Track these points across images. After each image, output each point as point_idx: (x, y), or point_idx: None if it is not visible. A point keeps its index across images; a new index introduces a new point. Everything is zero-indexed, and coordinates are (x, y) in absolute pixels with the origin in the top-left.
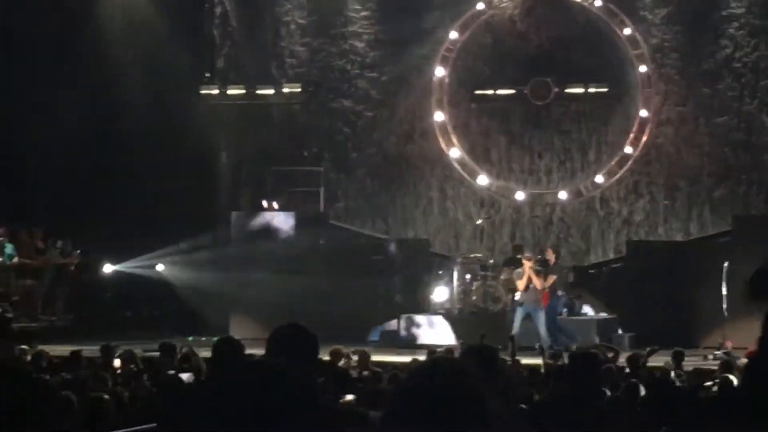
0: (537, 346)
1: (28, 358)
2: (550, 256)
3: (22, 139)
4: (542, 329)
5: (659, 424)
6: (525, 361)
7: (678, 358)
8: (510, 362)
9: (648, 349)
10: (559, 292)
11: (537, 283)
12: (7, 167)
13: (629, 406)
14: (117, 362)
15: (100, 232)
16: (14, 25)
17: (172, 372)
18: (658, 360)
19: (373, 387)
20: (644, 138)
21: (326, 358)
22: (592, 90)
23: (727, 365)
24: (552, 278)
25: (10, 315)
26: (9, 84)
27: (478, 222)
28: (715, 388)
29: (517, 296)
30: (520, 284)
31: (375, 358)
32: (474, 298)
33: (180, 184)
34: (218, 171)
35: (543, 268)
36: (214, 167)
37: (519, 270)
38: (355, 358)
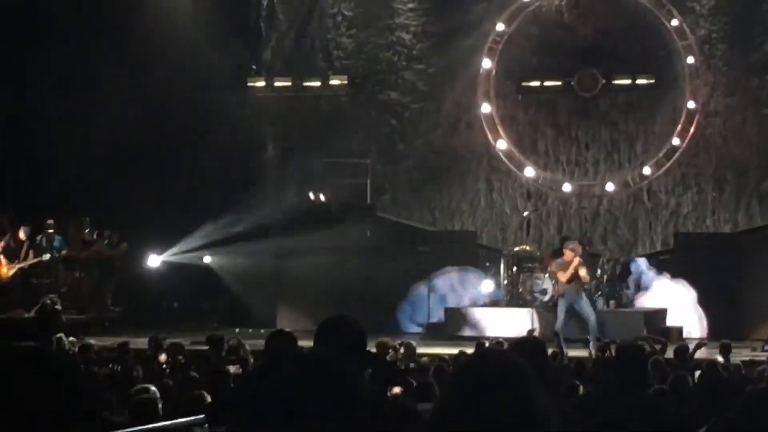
0: (592, 338)
1: (76, 349)
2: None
3: (69, 131)
4: (591, 318)
5: (707, 417)
6: (572, 353)
7: (725, 351)
8: (557, 355)
9: (696, 342)
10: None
11: (584, 275)
12: (53, 159)
13: (676, 398)
14: (163, 355)
15: (147, 225)
16: (58, 14)
17: (219, 364)
18: (706, 352)
19: (419, 379)
20: (692, 129)
21: (373, 350)
22: (639, 81)
23: None
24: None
25: (58, 307)
26: (56, 75)
27: (525, 214)
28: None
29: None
30: (563, 276)
31: (421, 350)
32: (521, 290)
33: (226, 176)
34: (265, 163)
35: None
36: (261, 159)
37: (560, 260)
38: (401, 350)
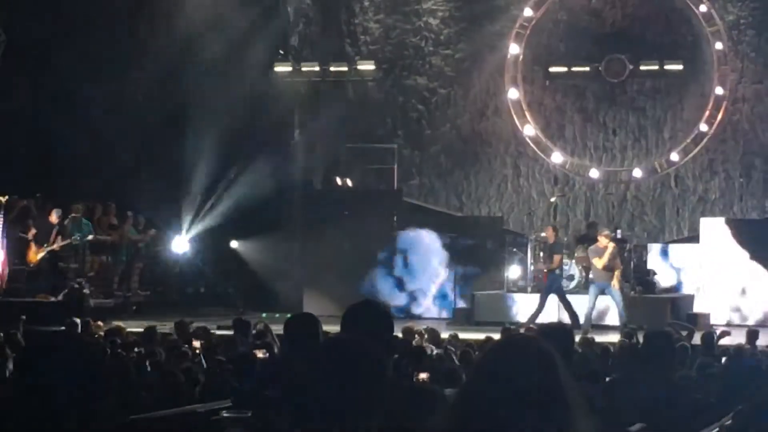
0: (622, 324)
1: (103, 334)
2: (550, 234)
3: (93, 117)
4: (620, 305)
5: (733, 403)
6: (598, 339)
7: (753, 337)
8: (586, 341)
9: (720, 330)
10: (557, 271)
11: (618, 263)
12: (80, 145)
13: (703, 384)
14: (197, 341)
15: (173, 210)
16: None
17: (246, 348)
18: (733, 339)
19: (446, 365)
20: (720, 116)
21: (398, 335)
22: (667, 67)
23: None
24: (557, 257)
25: (86, 291)
26: (80, 59)
27: (552, 199)
28: None
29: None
30: (599, 262)
31: (445, 335)
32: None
33: (253, 161)
34: (292, 148)
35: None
36: (288, 144)
37: (594, 247)
38: (426, 335)
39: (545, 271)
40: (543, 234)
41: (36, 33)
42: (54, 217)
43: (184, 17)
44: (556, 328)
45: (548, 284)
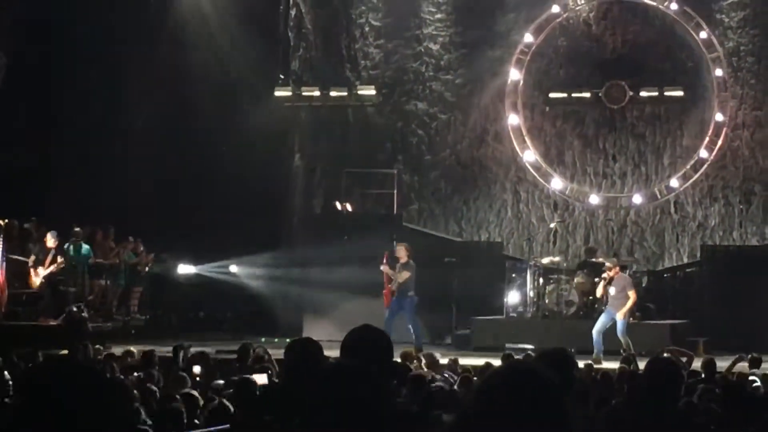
0: (622, 351)
1: (102, 357)
2: (402, 254)
3: (94, 140)
4: (620, 334)
5: (736, 430)
6: (597, 365)
7: (755, 364)
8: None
9: (735, 357)
10: (411, 293)
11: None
12: (79, 168)
13: (705, 411)
14: (197, 367)
15: (172, 234)
16: (83, 25)
17: (244, 373)
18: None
19: (445, 390)
20: (720, 142)
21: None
22: (667, 93)
23: None
24: (405, 275)
25: (85, 315)
26: (80, 86)
27: (552, 225)
28: None
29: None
30: (626, 292)
31: (444, 360)
32: (547, 301)
33: (253, 185)
34: (292, 172)
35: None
36: (288, 169)
37: (617, 277)
38: (423, 360)
39: (393, 289)
40: (397, 252)
41: (36, 57)
42: (51, 241)
43: (185, 41)
44: (558, 353)
45: (406, 307)
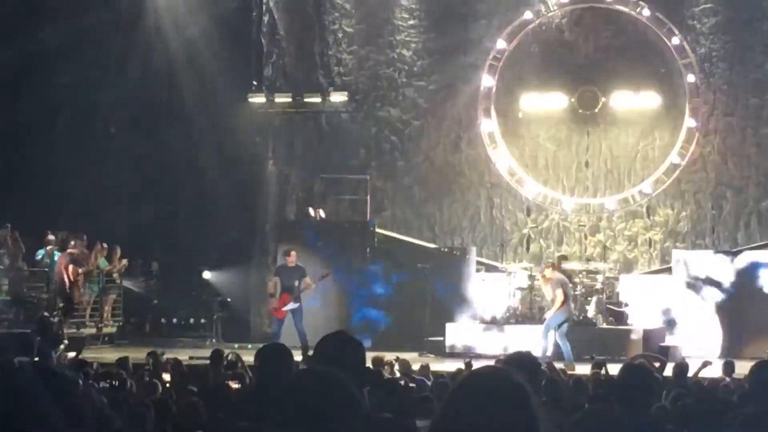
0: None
1: (75, 364)
2: (292, 259)
3: (63, 147)
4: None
5: None
6: (570, 372)
7: (729, 369)
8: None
9: (702, 361)
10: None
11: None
12: (54, 176)
13: (676, 416)
14: (167, 375)
15: (147, 239)
16: (57, 34)
17: (218, 379)
18: (708, 370)
19: (418, 396)
20: (692, 147)
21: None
22: (639, 99)
23: None
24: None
25: (55, 319)
26: (53, 96)
27: (525, 231)
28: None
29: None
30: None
31: (416, 366)
32: (520, 307)
33: (227, 191)
34: (265, 179)
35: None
36: (261, 175)
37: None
38: (396, 365)
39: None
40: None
41: (11, 63)
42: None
43: (157, 47)
44: (524, 357)
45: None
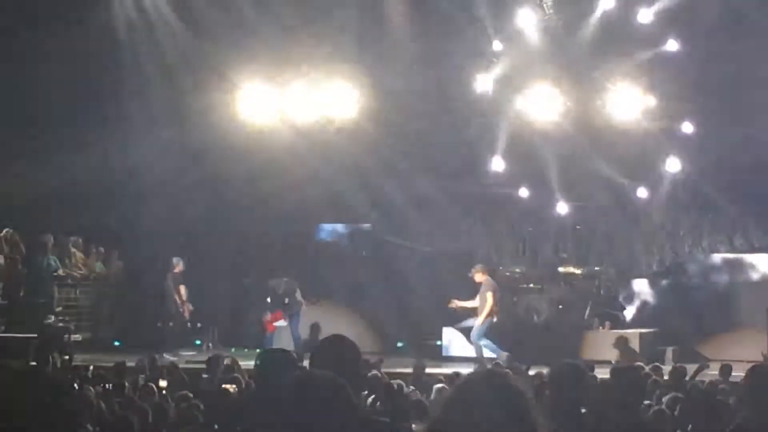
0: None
1: (72, 368)
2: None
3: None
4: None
5: None
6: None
7: (726, 372)
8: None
9: (699, 365)
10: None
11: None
12: (49, 179)
13: (673, 419)
14: (164, 381)
15: (142, 244)
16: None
17: (215, 383)
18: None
19: (414, 399)
20: (689, 151)
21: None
22: (636, 98)
23: None
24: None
25: (53, 325)
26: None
27: (521, 233)
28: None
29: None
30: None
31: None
32: (516, 310)
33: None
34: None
35: None
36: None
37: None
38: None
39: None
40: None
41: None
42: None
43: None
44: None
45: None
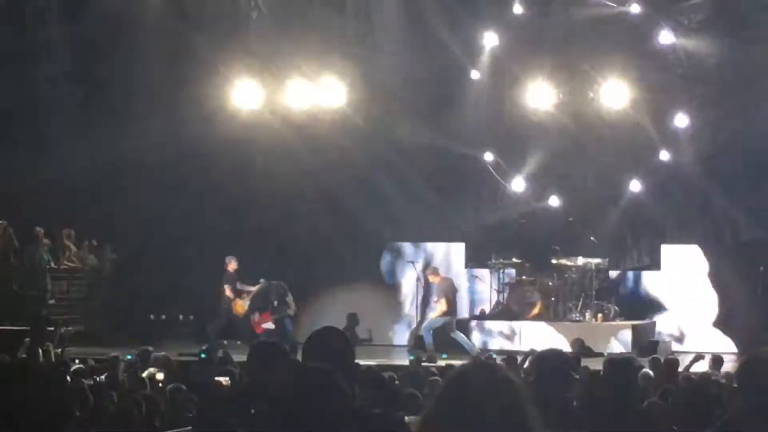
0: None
1: (64, 361)
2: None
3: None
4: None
5: (698, 429)
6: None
7: (717, 364)
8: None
9: (694, 355)
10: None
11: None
12: (44, 172)
13: (666, 411)
14: (160, 374)
15: (135, 237)
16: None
17: (208, 376)
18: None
19: (406, 391)
20: (680, 143)
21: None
22: (628, 91)
23: None
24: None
25: (46, 317)
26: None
27: (514, 225)
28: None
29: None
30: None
31: (405, 362)
32: (509, 302)
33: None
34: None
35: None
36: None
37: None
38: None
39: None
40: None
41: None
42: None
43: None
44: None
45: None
